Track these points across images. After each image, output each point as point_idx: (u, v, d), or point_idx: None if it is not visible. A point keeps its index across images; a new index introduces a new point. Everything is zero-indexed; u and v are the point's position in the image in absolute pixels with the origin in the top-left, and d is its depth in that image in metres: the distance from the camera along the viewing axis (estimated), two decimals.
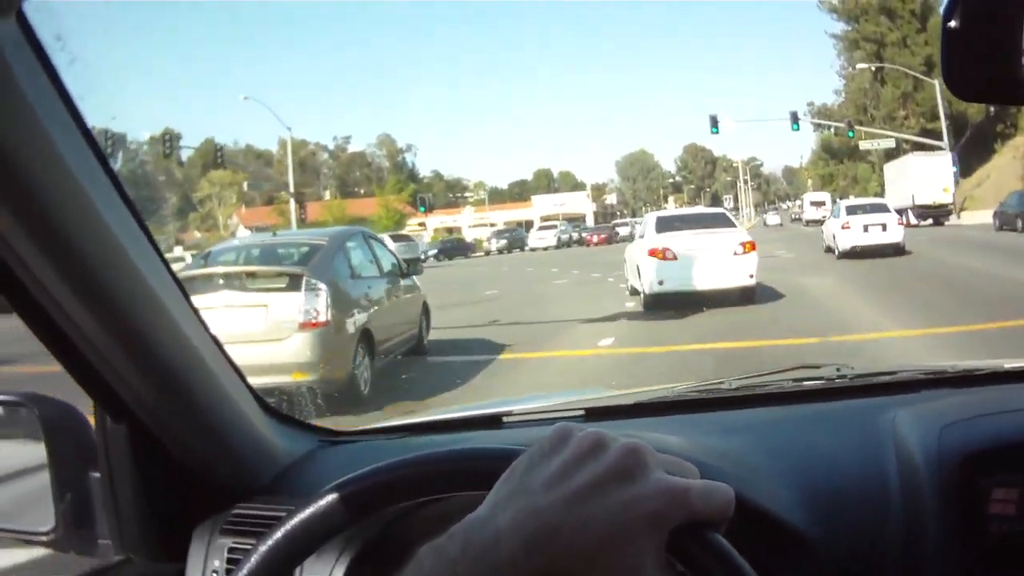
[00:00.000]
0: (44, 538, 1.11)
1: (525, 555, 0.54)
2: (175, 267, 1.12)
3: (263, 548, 0.71)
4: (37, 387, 1.19)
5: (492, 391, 7.11)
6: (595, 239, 46.41)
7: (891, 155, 41.09)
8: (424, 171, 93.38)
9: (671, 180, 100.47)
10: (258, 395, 1.17)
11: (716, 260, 12.02)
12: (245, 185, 54.35)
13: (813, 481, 0.94)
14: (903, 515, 0.89)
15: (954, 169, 33.11)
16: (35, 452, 1.11)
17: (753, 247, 12.27)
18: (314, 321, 6.75)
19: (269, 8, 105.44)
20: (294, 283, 6.85)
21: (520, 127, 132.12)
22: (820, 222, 28.67)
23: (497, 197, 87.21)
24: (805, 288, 13.48)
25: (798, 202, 68.02)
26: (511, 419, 1.29)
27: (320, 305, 6.79)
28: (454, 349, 9.93)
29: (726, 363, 7.68)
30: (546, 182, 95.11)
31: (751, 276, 12.05)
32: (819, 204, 46.93)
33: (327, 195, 70.71)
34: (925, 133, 40.80)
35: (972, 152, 40.14)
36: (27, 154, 0.74)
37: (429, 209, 50.75)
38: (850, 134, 41.43)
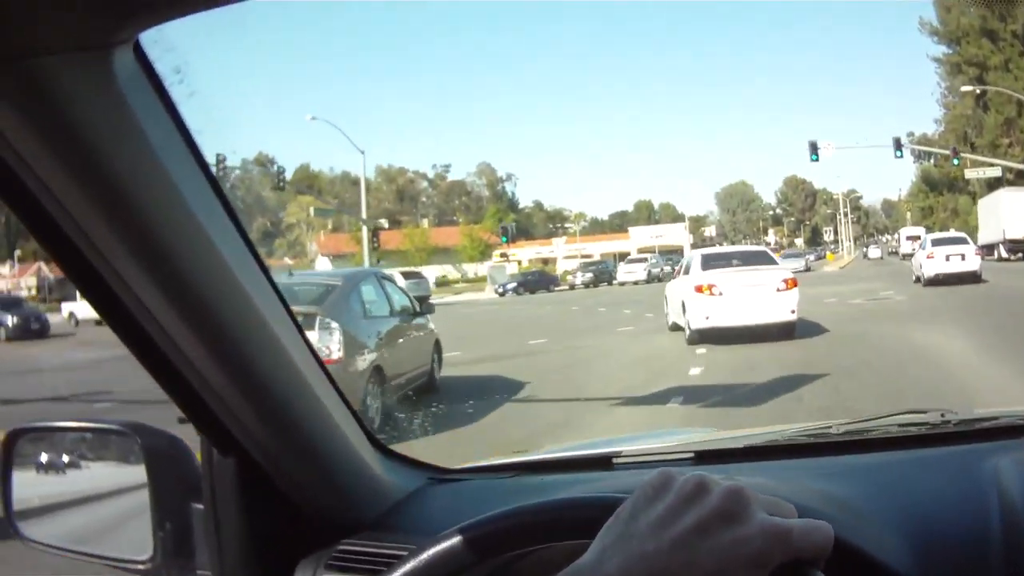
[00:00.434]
0: (142, 567, 1.10)
1: None
2: None
3: None
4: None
5: None
6: None
7: (994, 185, 39.59)
8: (525, 201, 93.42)
9: (771, 212, 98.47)
10: (367, 429, 1.17)
11: (760, 296, 12.38)
12: (311, 211, 52.43)
13: (915, 527, 0.92)
14: (1004, 565, 0.86)
15: None
16: (133, 480, 1.12)
17: (795, 284, 12.64)
18: (327, 358, 7.07)
19: (372, 36, 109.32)
20: (308, 322, 7.18)
21: (622, 158, 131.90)
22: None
23: (597, 228, 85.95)
24: (927, 351, 9.93)
25: (895, 236, 65.89)
26: (621, 460, 1.27)
27: (333, 343, 7.32)
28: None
29: None
30: (646, 213, 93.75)
31: (792, 312, 12.39)
32: (915, 239, 45.24)
33: (425, 223, 71.03)
34: None
35: None
36: (142, 184, 0.75)
37: (512, 239, 49.17)
38: (955, 161, 40.14)
